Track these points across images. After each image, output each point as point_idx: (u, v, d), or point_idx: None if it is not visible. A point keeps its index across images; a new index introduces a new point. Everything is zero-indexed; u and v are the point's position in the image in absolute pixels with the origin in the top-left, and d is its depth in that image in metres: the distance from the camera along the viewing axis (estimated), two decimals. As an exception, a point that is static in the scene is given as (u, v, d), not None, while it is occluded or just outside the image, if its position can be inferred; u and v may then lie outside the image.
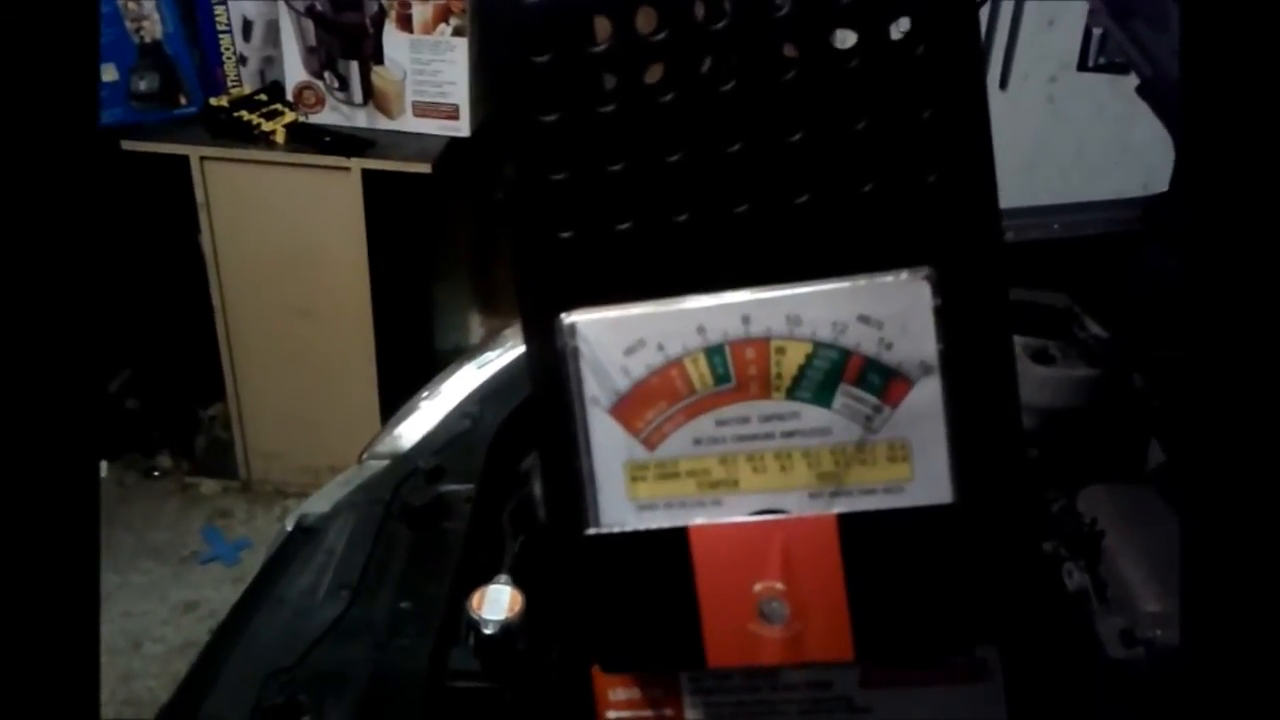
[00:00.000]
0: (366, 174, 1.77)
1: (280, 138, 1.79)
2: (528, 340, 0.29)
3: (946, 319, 0.27)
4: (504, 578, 0.52)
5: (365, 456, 0.82)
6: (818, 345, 0.27)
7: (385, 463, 0.80)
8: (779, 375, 0.28)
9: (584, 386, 0.29)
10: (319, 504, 0.73)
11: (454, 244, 2.28)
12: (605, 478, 0.29)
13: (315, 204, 1.80)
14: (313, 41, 1.82)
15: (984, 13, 1.98)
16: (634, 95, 0.27)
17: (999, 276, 0.27)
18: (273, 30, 1.86)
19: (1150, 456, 0.90)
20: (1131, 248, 1.01)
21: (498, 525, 0.72)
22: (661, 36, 0.27)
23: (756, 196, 0.28)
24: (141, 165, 1.72)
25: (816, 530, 0.28)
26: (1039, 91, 2.04)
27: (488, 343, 0.95)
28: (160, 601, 1.80)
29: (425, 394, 0.88)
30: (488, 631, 0.48)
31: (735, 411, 0.28)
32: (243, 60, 1.91)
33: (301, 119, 1.84)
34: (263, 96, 1.86)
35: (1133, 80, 0.97)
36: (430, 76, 1.82)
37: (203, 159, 1.78)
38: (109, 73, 1.80)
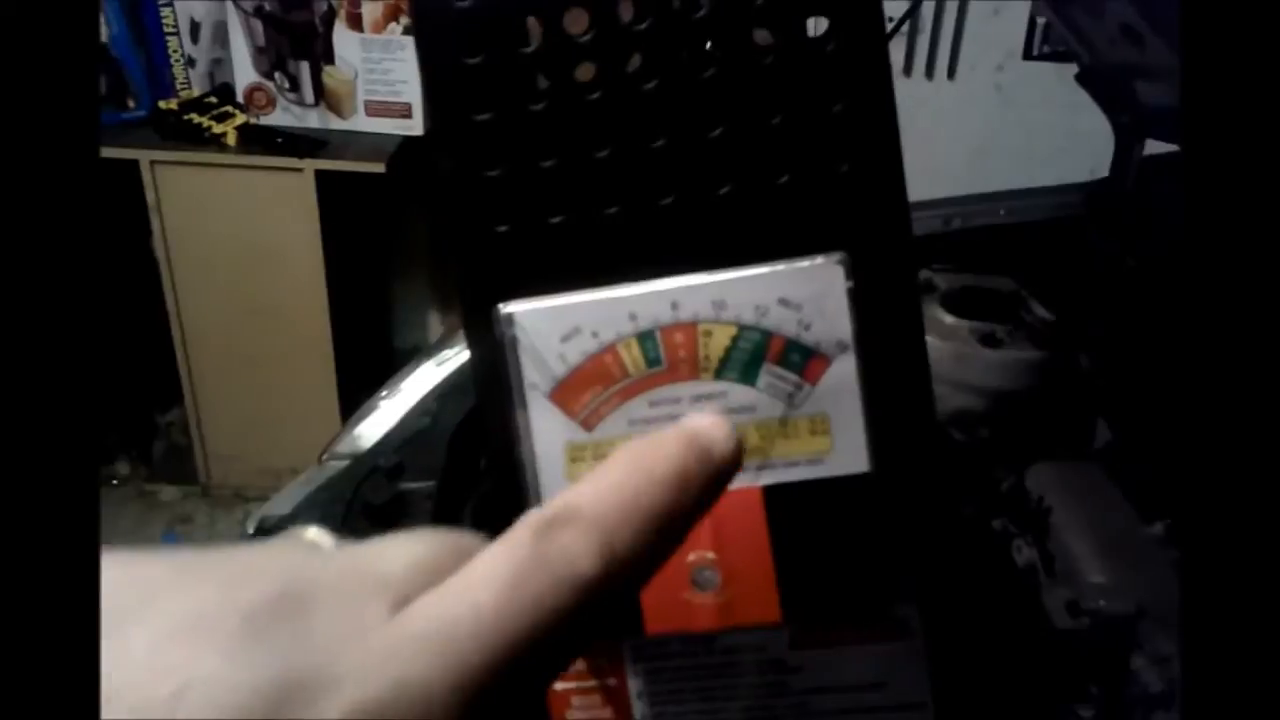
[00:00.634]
0: (320, 174, 1.76)
1: (231, 140, 1.77)
2: (467, 331, 0.30)
3: (860, 300, 0.28)
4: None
5: (325, 457, 0.83)
6: (742, 328, 0.29)
7: (346, 462, 0.81)
8: (707, 357, 0.29)
9: (523, 373, 0.30)
10: (280, 505, 0.74)
11: (410, 242, 2.27)
12: (546, 459, 0.30)
13: (269, 206, 1.79)
14: (262, 42, 1.81)
15: (930, 2, 2.01)
16: (563, 94, 0.29)
17: (908, 259, 0.29)
18: (221, 31, 1.84)
19: (1096, 435, 0.93)
20: (1076, 232, 1.03)
21: (459, 522, 0.73)
22: (589, 37, 0.28)
23: (681, 189, 0.29)
24: (91, 170, 1.70)
25: (744, 501, 0.30)
26: (986, 80, 2.08)
27: (446, 340, 0.95)
28: (122, 609, 1.78)
29: (384, 393, 0.88)
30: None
31: (667, 393, 0.30)
32: (191, 62, 1.89)
33: (252, 121, 1.83)
34: (213, 99, 1.85)
35: (1076, 68, 1.00)
36: (382, 75, 1.81)
37: (153, 163, 1.76)
38: (54, 77, 1.77)
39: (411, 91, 1.81)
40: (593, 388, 0.30)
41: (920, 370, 0.29)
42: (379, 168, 1.75)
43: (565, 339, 0.29)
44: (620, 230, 0.29)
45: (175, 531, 1.99)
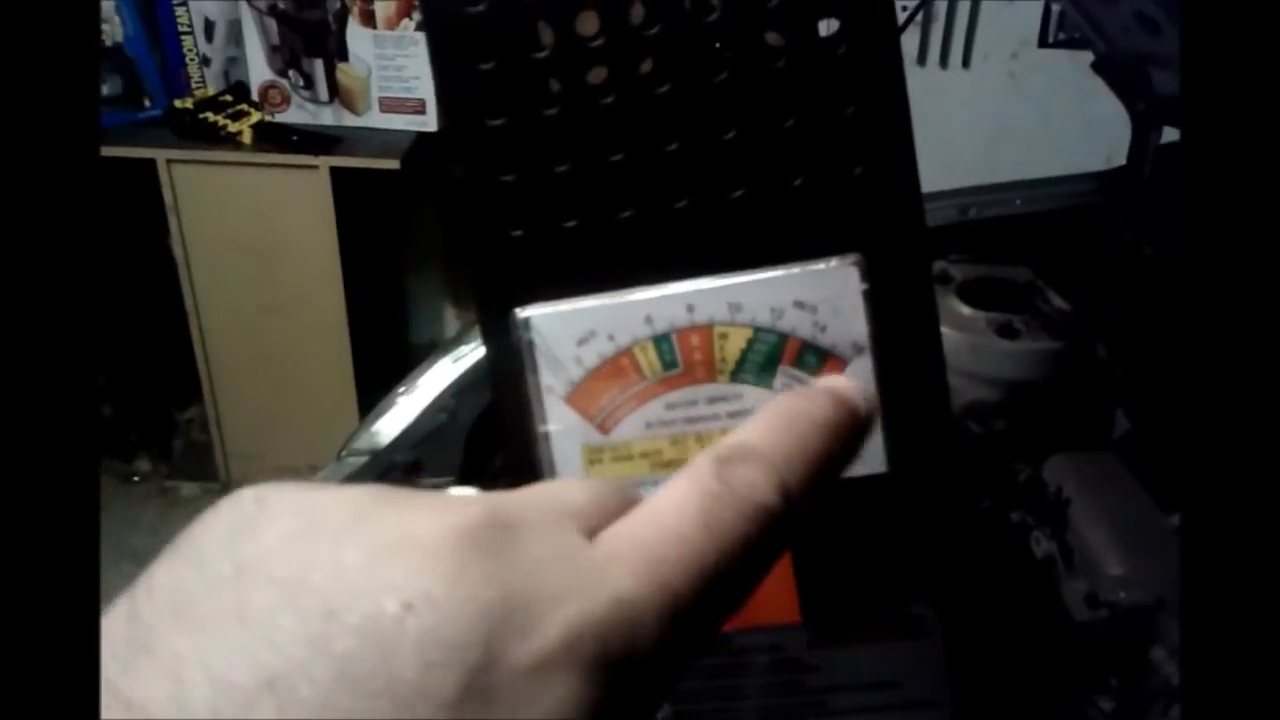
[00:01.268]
0: (335, 171, 1.77)
1: (247, 138, 1.78)
2: (484, 335, 0.30)
3: (875, 301, 0.29)
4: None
5: (344, 453, 0.83)
6: (757, 330, 0.29)
7: (364, 459, 0.81)
8: (723, 360, 0.29)
9: (540, 376, 0.30)
10: (299, 502, 0.74)
11: (425, 238, 2.28)
12: (564, 462, 0.30)
13: (284, 203, 1.80)
14: (276, 40, 1.82)
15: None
16: (576, 99, 0.29)
17: (923, 260, 0.29)
18: (235, 30, 1.85)
19: (1114, 425, 0.92)
20: (1092, 221, 1.03)
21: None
22: (601, 41, 0.29)
23: (695, 192, 0.29)
24: (107, 169, 1.72)
25: (761, 504, 0.30)
26: (1000, 68, 2.06)
27: (462, 336, 0.95)
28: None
29: (402, 389, 0.89)
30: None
31: (683, 395, 0.30)
32: (206, 61, 1.90)
33: (267, 118, 1.84)
34: (228, 97, 1.86)
35: (1091, 55, 0.99)
36: (395, 72, 1.82)
37: (169, 162, 1.77)
38: (71, 78, 1.78)
39: (425, 87, 1.81)
40: (609, 391, 0.30)
41: (937, 371, 0.29)
42: (393, 164, 1.75)
43: (581, 342, 0.30)
44: (635, 234, 0.29)
45: (196, 527, 2.01)
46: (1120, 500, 0.78)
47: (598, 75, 0.29)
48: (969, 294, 0.92)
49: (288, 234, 1.83)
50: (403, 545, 0.17)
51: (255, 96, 1.85)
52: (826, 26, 0.28)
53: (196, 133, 1.78)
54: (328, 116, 1.86)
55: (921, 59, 2.05)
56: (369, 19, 1.79)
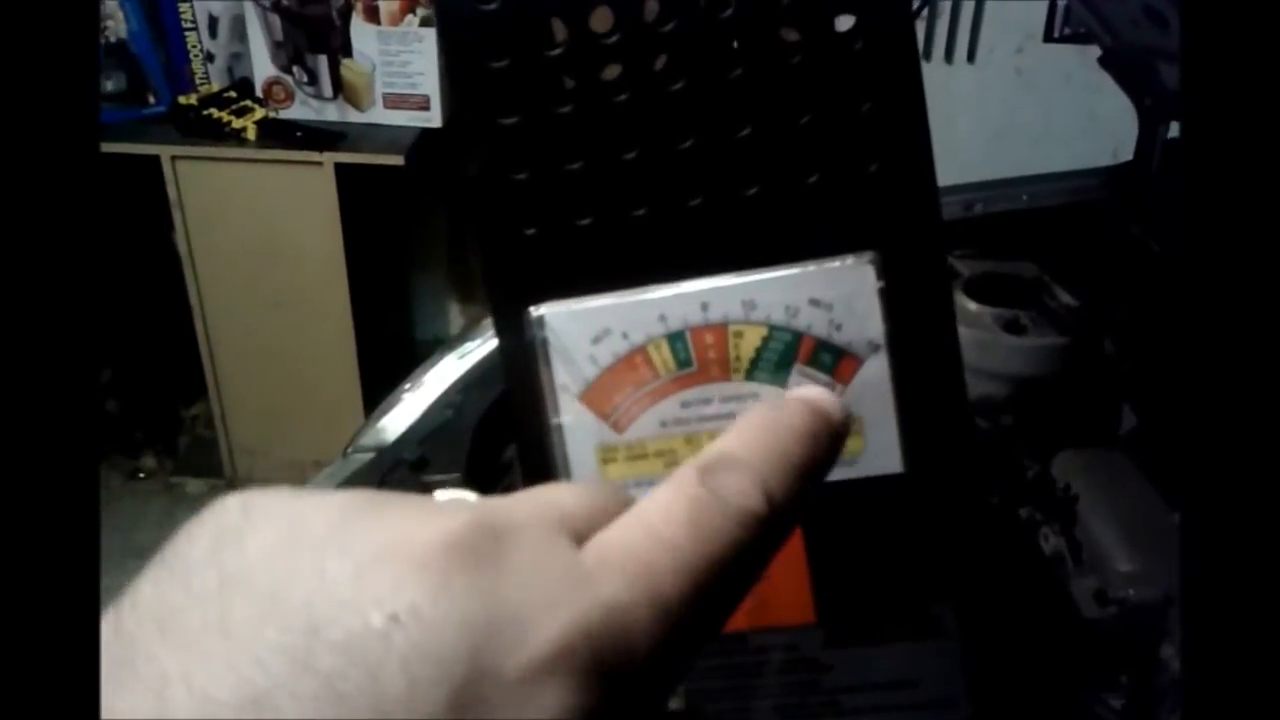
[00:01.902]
0: (339, 167, 1.77)
1: (251, 134, 1.78)
2: (499, 333, 0.30)
3: (891, 299, 0.28)
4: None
5: (349, 450, 0.83)
6: (772, 329, 0.29)
7: (370, 455, 0.81)
8: (737, 358, 0.29)
9: (554, 375, 0.30)
10: (305, 499, 0.74)
11: (430, 234, 2.28)
12: (578, 461, 0.30)
13: (289, 199, 1.80)
14: (280, 36, 1.82)
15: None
16: (590, 97, 0.29)
17: (939, 258, 0.29)
18: (239, 26, 1.85)
19: (1122, 420, 0.92)
20: (1099, 216, 1.02)
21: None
22: (615, 38, 0.28)
23: (709, 190, 0.29)
24: (111, 166, 1.72)
25: (777, 503, 0.30)
26: (1006, 63, 2.06)
27: (468, 332, 0.95)
28: (151, 601, 1.80)
29: (407, 385, 0.89)
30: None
31: (698, 394, 0.30)
32: (210, 57, 1.90)
33: (271, 115, 1.84)
34: (232, 93, 1.86)
35: (1098, 50, 0.99)
36: (399, 68, 1.82)
37: (174, 158, 1.77)
38: (75, 75, 1.78)
39: (429, 83, 1.81)
40: (623, 389, 0.30)
41: (953, 369, 0.29)
42: (397, 160, 1.75)
43: (595, 341, 0.29)
44: (649, 231, 0.29)
45: (201, 524, 2.01)
46: (1129, 496, 0.77)
47: (611, 72, 0.29)
48: (975, 290, 0.92)
49: (292, 230, 1.83)
50: (388, 555, 0.17)
51: (259, 93, 1.85)
52: (842, 22, 0.28)
53: (200, 129, 1.78)
54: (332, 113, 1.86)
55: (927, 53, 2.05)
56: (373, 15, 1.78)
